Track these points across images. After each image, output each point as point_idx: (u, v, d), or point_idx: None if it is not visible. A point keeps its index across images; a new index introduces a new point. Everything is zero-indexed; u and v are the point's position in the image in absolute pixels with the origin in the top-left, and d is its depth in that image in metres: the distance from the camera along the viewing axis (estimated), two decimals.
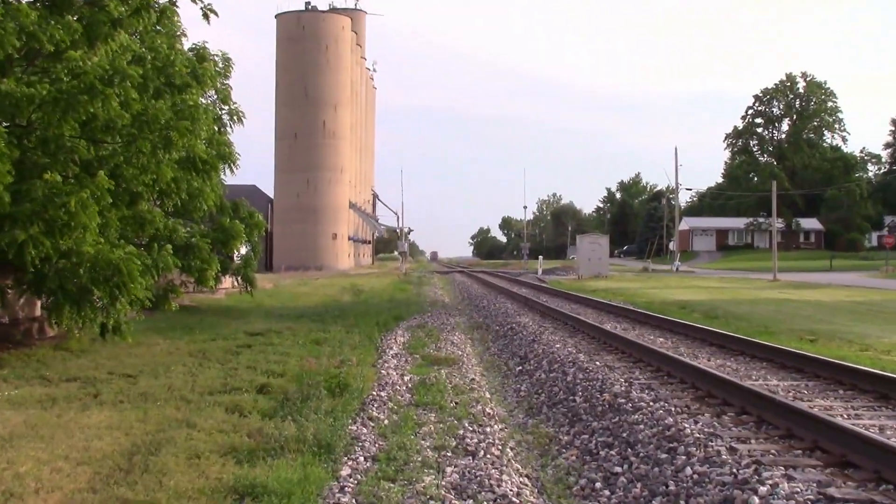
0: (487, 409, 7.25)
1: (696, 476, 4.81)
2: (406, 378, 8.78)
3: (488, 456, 5.45)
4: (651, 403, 6.80)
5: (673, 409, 6.56)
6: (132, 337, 9.73)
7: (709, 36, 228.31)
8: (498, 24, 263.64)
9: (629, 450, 5.73)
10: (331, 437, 5.53)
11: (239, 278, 16.63)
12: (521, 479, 5.10)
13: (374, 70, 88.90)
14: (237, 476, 4.58)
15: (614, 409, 6.89)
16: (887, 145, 75.99)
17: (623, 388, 7.56)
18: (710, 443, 5.35)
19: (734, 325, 13.85)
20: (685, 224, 76.68)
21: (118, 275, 8.36)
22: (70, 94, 8.10)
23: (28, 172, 8.27)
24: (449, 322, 16.28)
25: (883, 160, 76.86)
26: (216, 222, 14.50)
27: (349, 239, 65.25)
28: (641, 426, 6.12)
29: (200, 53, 11.85)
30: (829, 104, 74.78)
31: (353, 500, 4.35)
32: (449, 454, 5.46)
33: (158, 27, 10.97)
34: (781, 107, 76.08)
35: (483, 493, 4.54)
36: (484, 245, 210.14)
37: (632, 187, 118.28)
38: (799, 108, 75.60)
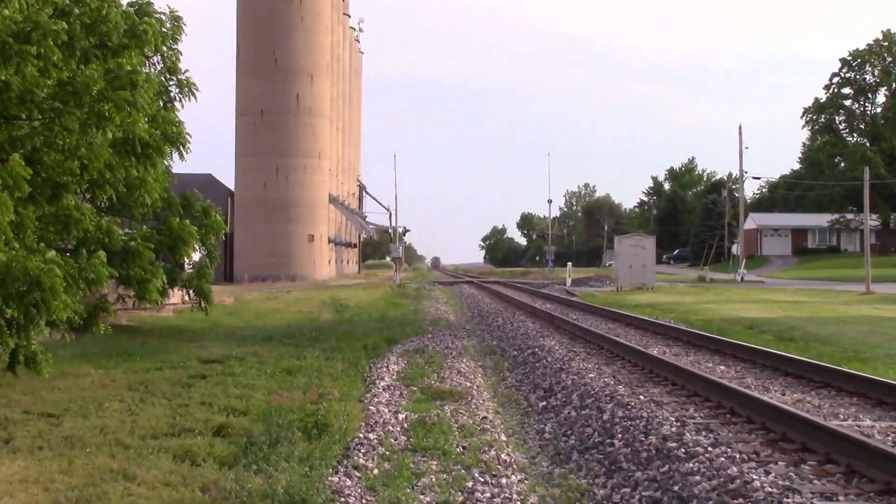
0: (503, 456, 7.22)
1: None
2: (401, 416, 8.85)
3: None
4: (710, 449, 6.76)
5: (738, 455, 6.51)
6: (52, 367, 9.53)
7: None
8: None
9: None
10: (306, 492, 5.45)
11: (191, 292, 16.79)
12: None
13: (361, 30, 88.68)
14: None
15: (663, 456, 6.85)
16: None
17: (674, 430, 7.54)
18: (785, 500, 5.27)
19: (815, 351, 13.92)
20: (752, 222, 76.18)
21: (36, 289, 8.06)
22: None
23: None
24: (455, 346, 16.37)
25: None
26: (162, 221, 14.62)
27: (329, 242, 65.04)
28: (697, 477, 6.04)
29: (142, 8, 11.86)
30: None
31: None
32: None
33: None
34: (876, 73, 71.65)
35: None
36: (498, 249, 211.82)
37: (684, 176, 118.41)
38: None
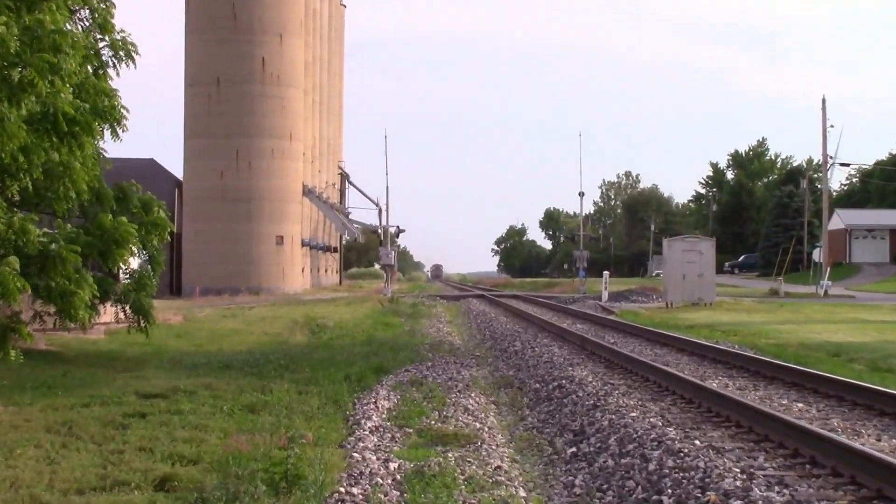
0: None
1: None
2: (392, 465, 8.93)
3: None
4: None
5: None
6: None
7: None
8: None
9: None
10: None
11: (127, 308, 16.88)
12: None
13: None
14: None
15: None
16: None
17: (739, 484, 7.56)
18: None
19: None
20: (839, 220, 76.18)
21: None
22: None
23: None
24: (461, 376, 16.58)
25: None
26: (91, 219, 14.58)
27: (303, 245, 65.43)
28: None
29: None
30: None
31: None
32: None
33: None
34: None
35: None
36: (516, 254, 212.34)
37: (752, 162, 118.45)
38: None
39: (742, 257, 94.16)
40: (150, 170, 58.59)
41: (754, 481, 7.62)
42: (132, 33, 13.83)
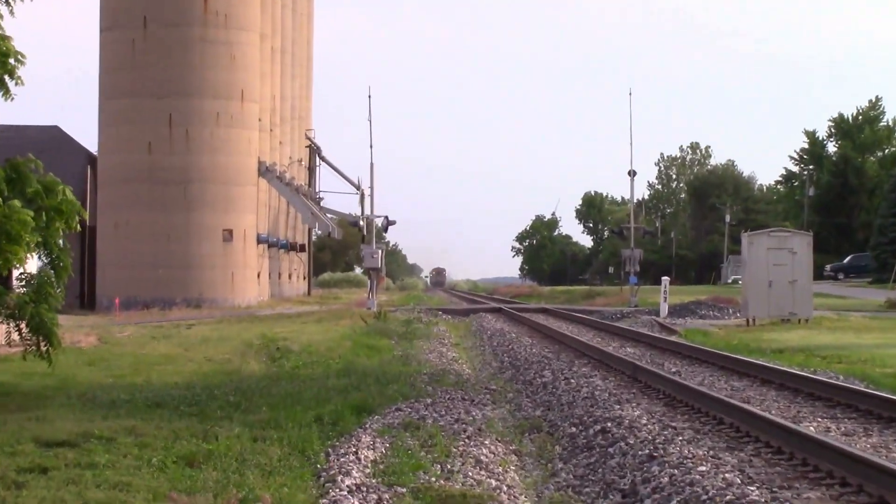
0: None
1: None
2: None
3: None
4: None
5: None
6: None
7: None
8: None
9: None
10: None
11: (23, 325, 16.90)
12: None
13: None
14: None
15: None
16: None
17: None
18: None
19: None
20: None
21: None
22: None
23: None
24: (471, 417, 16.70)
25: None
26: None
27: (260, 242, 65.99)
28: None
29: None
30: None
31: None
32: None
33: None
34: None
35: None
36: (545, 254, 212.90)
37: (862, 129, 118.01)
38: None
39: (848, 258, 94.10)
40: (53, 140, 59.05)
41: None
42: None
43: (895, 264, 65.65)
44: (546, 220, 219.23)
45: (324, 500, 10.29)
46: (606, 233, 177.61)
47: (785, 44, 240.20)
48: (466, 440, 14.37)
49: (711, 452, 12.37)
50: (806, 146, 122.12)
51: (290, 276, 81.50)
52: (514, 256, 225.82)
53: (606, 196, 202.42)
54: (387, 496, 10.77)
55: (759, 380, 20.37)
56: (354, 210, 67.63)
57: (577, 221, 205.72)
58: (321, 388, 19.06)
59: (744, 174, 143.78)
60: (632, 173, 65.85)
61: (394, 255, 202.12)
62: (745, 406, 15.10)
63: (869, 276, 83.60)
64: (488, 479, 11.86)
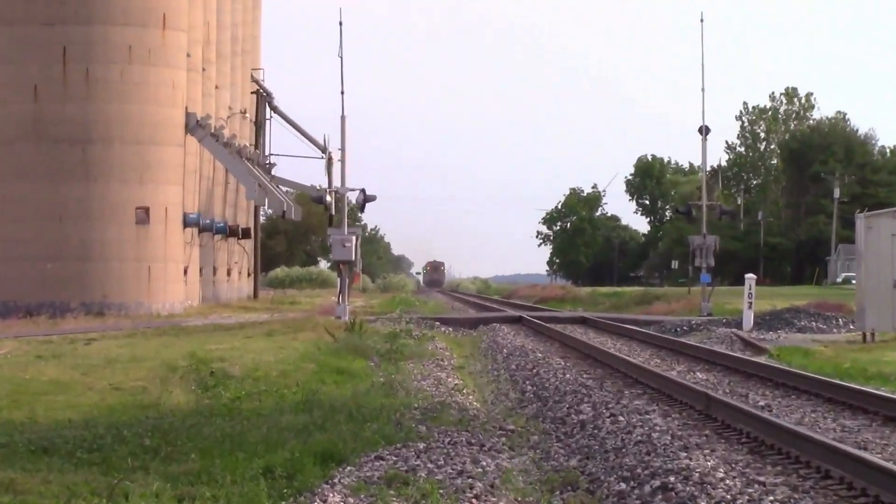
0: None
1: None
2: None
3: None
4: None
5: None
6: None
7: None
8: None
9: None
10: None
11: None
12: None
13: None
14: None
15: None
16: None
17: None
18: None
19: None
20: None
21: None
22: None
23: None
24: (479, 469, 16.72)
25: None
26: None
27: (189, 225, 66.78)
28: None
29: None
30: None
31: None
32: None
33: None
34: None
35: None
36: (582, 243, 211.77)
37: None
38: None
39: None
40: None
41: None
42: None
43: None
44: (585, 194, 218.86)
45: None
46: (668, 213, 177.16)
47: None
48: (474, 501, 14.35)
49: None
50: None
51: (229, 273, 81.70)
52: (539, 245, 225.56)
53: (668, 162, 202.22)
54: None
55: (880, 417, 20.25)
56: (319, 181, 67.79)
57: (629, 197, 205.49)
58: (272, 428, 19.23)
59: (859, 132, 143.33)
60: (704, 130, 65.59)
61: (374, 244, 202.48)
62: (862, 454, 14.99)
63: None
64: None
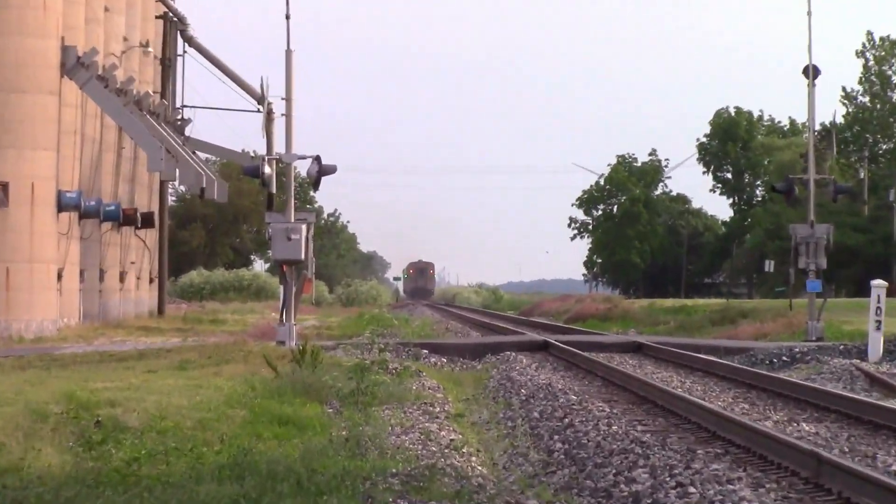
0: None
1: None
2: None
3: None
4: None
5: None
6: None
7: None
8: None
9: None
10: None
11: None
12: None
13: None
14: None
15: None
16: None
17: None
18: None
19: None
20: None
21: None
22: None
23: None
24: None
25: None
26: None
27: (65, 209, 69.07)
28: None
29: None
30: None
31: None
32: None
33: None
34: None
35: None
36: (634, 235, 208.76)
37: None
38: None
39: None
40: None
41: None
42: None
43: None
44: (639, 165, 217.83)
45: None
46: (760, 192, 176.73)
47: None
48: None
49: None
50: None
51: (122, 278, 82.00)
52: (573, 238, 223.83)
53: (759, 118, 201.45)
54: None
55: None
56: (254, 145, 67.40)
57: (703, 169, 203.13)
58: None
59: None
60: (811, 72, 65.20)
61: (333, 237, 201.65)
62: None
63: None
64: None
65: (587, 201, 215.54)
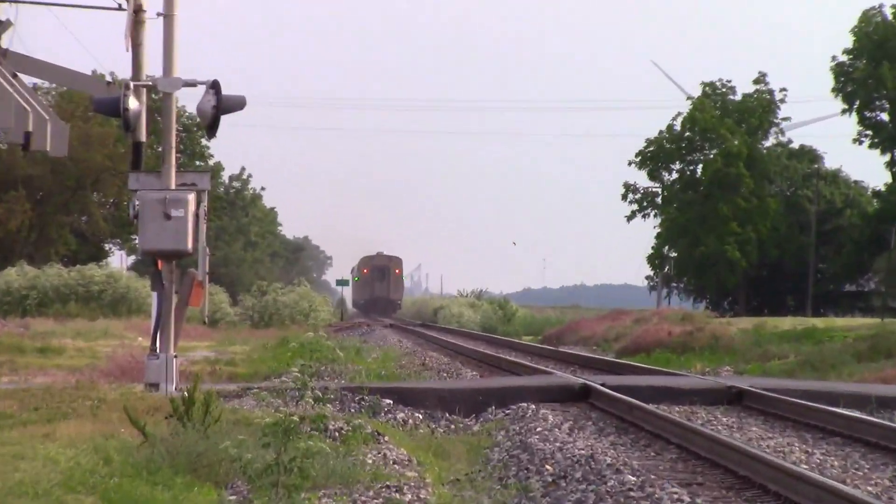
0: None
1: None
2: None
3: None
4: None
5: None
6: None
7: None
8: None
9: None
10: None
11: None
12: None
13: None
14: None
15: None
16: None
17: None
18: None
19: None
20: None
21: None
22: None
23: None
24: None
25: None
26: None
27: None
28: None
29: None
30: None
31: None
32: None
33: None
34: None
35: None
36: (729, 215, 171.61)
37: None
38: None
39: None
40: None
41: None
42: None
43: None
44: (738, 97, 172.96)
45: None
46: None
47: None
48: None
49: None
50: None
51: None
52: (629, 218, 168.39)
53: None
54: None
55: None
56: (113, 64, 58.09)
57: (840, 106, 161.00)
58: None
59: None
60: None
61: (240, 213, 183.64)
62: None
63: None
64: None
65: (653, 157, 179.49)
